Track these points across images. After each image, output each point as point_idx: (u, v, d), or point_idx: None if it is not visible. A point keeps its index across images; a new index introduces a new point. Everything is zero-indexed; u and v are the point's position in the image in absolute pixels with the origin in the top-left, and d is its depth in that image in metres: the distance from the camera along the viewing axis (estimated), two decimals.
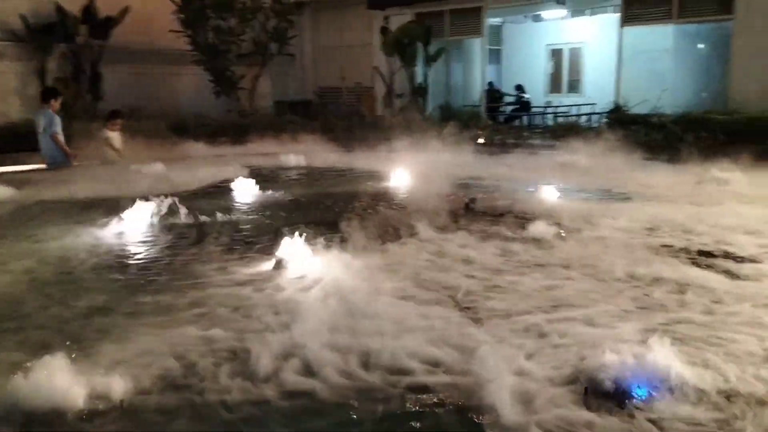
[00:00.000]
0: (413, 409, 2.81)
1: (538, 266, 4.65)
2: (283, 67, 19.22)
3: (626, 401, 2.84)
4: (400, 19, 17.85)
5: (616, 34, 15.18)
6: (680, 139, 12.16)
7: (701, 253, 4.91)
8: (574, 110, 16.78)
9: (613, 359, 2.98)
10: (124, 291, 4.47)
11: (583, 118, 15.97)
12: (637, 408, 2.72)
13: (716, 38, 14.86)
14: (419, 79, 17.33)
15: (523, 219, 6.05)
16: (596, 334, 3.31)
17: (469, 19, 17.08)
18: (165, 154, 10.84)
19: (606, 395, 2.87)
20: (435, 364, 3.15)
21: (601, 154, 10.42)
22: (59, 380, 2.92)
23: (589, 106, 16.63)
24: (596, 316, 3.64)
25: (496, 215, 6.51)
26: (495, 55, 19.32)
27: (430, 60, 17.10)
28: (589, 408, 2.78)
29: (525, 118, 17.78)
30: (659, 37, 15.27)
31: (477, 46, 18.00)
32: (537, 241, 5.31)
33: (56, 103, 10.16)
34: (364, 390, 2.94)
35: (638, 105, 14.02)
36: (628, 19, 14.75)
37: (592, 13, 18.10)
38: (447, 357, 3.20)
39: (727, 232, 5.39)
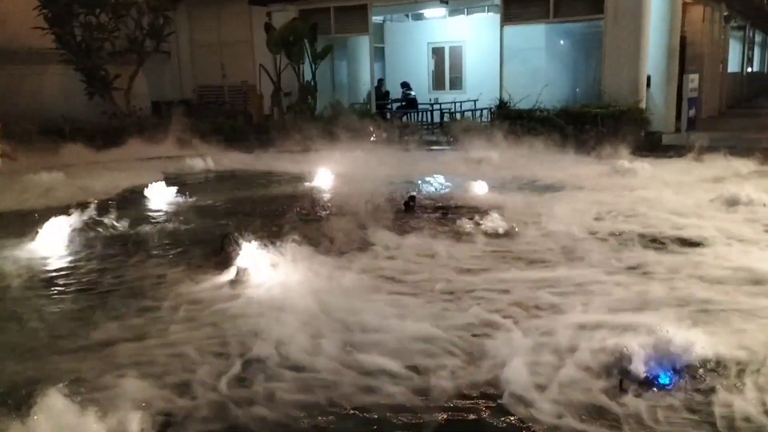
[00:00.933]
0: None
1: (517, 259, 4.76)
2: (159, 66, 18.18)
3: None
4: (283, 15, 17.50)
5: (493, 33, 15.86)
6: (563, 131, 13.00)
7: (663, 239, 5.19)
8: (457, 107, 17.33)
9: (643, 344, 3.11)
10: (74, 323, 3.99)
11: (469, 114, 16.55)
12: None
13: (589, 36, 16.00)
14: (307, 77, 17.10)
15: (471, 214, 6.16)
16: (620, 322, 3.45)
17: (355, 17, 17.09)
18: (52, 160, 9.86)
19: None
20: None
21: (503, 147, 10.87)
22: None
23: (471, 103, 17.26)
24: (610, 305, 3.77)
25: (440, 212, 6.58)
26: (378, 53, 19.50)
27: (317, 57, 16.92)
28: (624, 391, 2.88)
29: (412, 115, 18.11)
30: (536, 36, 16.17)
31: (362, 44, 18.07)
32: (499, 236, 5.43)
33: None
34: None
35: (522, 101, 14.78)
36: (507, 19, 15.46)
37: (470, 13, 18.79)
38: None
39: (670, 215, 5.83)
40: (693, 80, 15.06)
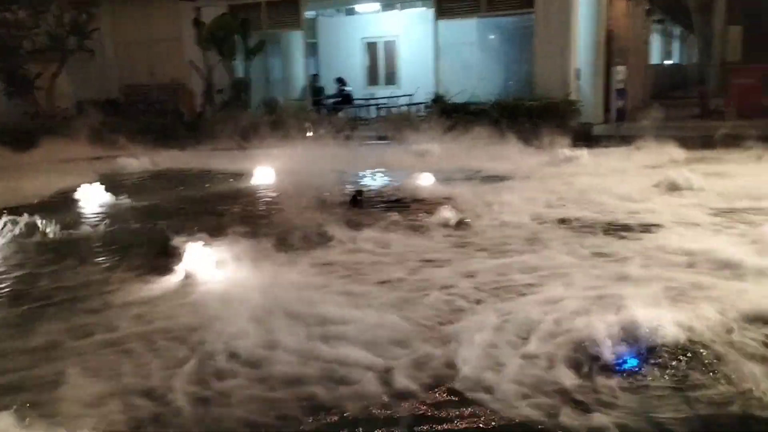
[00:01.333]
0: None
1: (480, 249, 4.77)
2: (84, 65, 17.39)
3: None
4: (212, 11, 17.08)
5: (427, 28, 15.97)
6: (499, 123, 13.22)
7: (617, 225, 5.29)
8: (394, 101, 17.35)
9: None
10: None
11: (406, 109, 16.60)
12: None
13: (521, 30, 16.30)
14: (240, 73, 16.76)
15: (422, 206, 6.15)
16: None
17: (287, 12, 16.87)
18: None
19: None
20: None
21: (443, 140, 10.96)
22: None
23: (407, 97, 17.32)
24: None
25: (390, 205, 6.54)
26: (311, 49, 19.30)
27: (250, 53, 16.60)
28: None
29: (349, 110, 18.02)
30: (469, 30, 16.37)
31: (295, 39, 17.85)
32: (454, 226, 5.44)
33: None
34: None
35: (457, 94, 14.95)
36: (441, 13, 15.59)
37: (403, 8, 18.83)
38: None
39: (620, 201, 5.98)
40: (620, 72, 15.56)
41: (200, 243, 4.94)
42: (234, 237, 5.29)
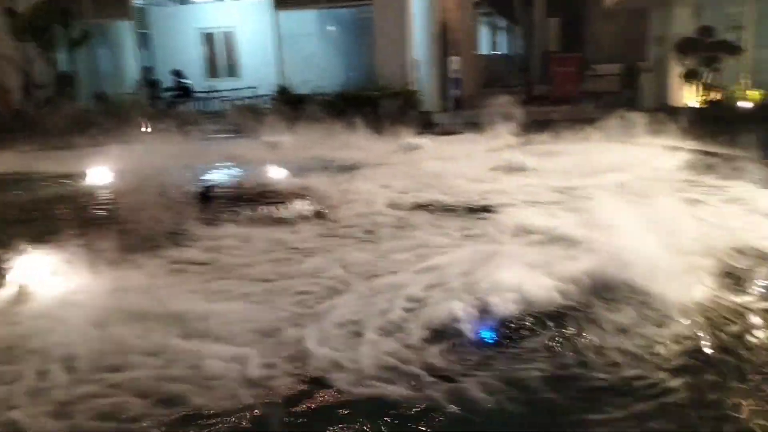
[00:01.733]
0: None
1: (346, 237, 4.76)
2: None
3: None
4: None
5: (267, 18, 15.72)
6: (344, 113, 13.36)
7: (475, 206, 5.47)
8: (237, 94, 16.90)
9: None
10: None
11: (250, 101, 16.25)
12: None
13: (362, 22, 16.51)
14: (64, 66, 15.44)
15: (278, 199, 6.04)
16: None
17: (112, 0, 15.78)
18: None
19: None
20: None
21: (290, 132, 10.85)
22: None
23: (250, 90, 16.95)
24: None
25: (243, 200, 6.36)
26: (144, 40, 18.22)
27: (74, 45, 15.34)
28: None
29: (190, 104, 17.26)
30: (310, 22, 16.33)
31: (125, 30, 16.77)
32: (314, 217, 5.39)
33: None
34: None
35: (301, 86, 14.89)
36: (280, 4, 15.40)
37: None
38: None
39: (470, 184, 6.24)
40: (455, 63, 16.32)
41: (33, 252, 4.50)
42: (71, 243, 4.86)
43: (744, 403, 2.52)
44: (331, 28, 16.86)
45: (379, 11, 15.06)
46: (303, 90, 14.87)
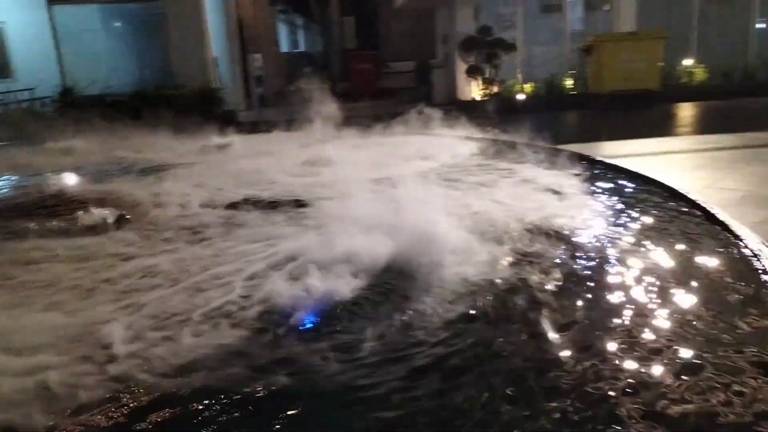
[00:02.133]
0: None
1: (164, 241, 4.46)
2: None
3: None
4: None
5: (40, 14, 14.33)
6: (140, 114, 12.64)
7: (300, 199, 5.38)
8: (12, 97, 15.20)
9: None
10: None
11: (28, 104, 14.72)
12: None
13: (153, 18, 15.66)
14: None
15: (70, 208, 5.51)
16: None
17: None
18: None
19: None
20: None
21: (80, 136, 10.02)
22: None
23: (28, 92, 15.34)
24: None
25: (33, 211, 5.71)
26: None
27: None
28: None
29: None
30: (93, 18, 15.15)
31: None
32: (114, 224, 5.01)
33: None
34: None
35: (89, 86, 13.84)
36: None
37: None
38: None
39: (287, 177, 6.18)
40: (257, 60, 16.16)
41: None
42: None
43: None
44: (117, 24, 15.79)
45: (171, 6, 14.43)
46: (91, 90, 13.80)
